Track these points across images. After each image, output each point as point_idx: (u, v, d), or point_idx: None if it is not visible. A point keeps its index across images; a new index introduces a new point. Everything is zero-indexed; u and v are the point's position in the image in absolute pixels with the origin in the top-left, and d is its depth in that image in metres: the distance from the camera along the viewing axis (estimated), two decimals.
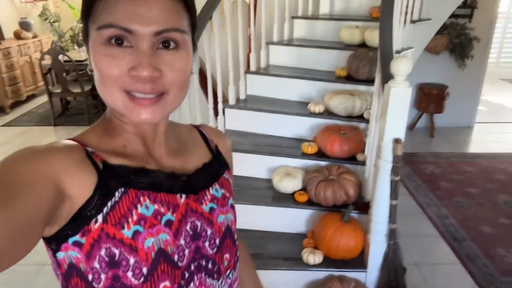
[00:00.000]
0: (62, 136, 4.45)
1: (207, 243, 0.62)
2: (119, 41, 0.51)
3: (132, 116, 0.53)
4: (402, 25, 2.44)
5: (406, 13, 2.49)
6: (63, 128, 4.66)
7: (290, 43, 2.98)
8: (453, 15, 3.45)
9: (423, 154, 4.02)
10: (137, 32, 0.50)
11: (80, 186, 0.51)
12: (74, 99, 5.35)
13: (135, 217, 0.54)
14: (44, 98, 5.56)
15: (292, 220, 2.20)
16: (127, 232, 0.53)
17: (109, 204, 0.53)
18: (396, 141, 1.63)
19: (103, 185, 0.53)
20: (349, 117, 2.40)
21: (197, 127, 0.75)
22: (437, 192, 3.28)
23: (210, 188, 0.66)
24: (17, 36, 5.60)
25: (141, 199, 0.55)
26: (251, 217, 2.20)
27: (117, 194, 0.53)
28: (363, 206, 2.07)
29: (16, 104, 5.35)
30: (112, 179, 0.54)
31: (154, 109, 0.53)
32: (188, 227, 0.60)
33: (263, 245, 2.13)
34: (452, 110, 4.53)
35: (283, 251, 2.08)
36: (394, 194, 1.74)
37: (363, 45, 2.80)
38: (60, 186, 0.49)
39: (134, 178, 0.56)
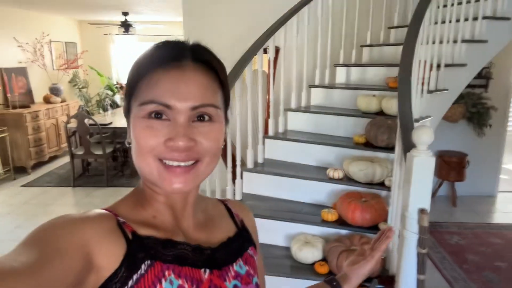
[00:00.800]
0: (79, 197, 4.48)
1: None
2: (158, 115, 0.54)
3: (165, 185, 0.55)
4: (419, 95, 2.49)
5: (423, 84, 2.55)
6: (81, 189, 4.71)
7: (307, 109, 3.05)
8: (469, 85, 3.51)
9: (447, 224, 3.86)
10: (175, 107, 0.54)
11: (109, 256, 0.51)
12: (95, 161, 5.48)
13: None
14: (65, 159, 5.71)
15: None
16: None
17: (134, 277, 0.52)
18: (422, 211, 1.57)
19: (130, 256, 0.52)
20: (370, 184, 2.36)
21: (222, 202, 0.75)
22: (464, 266, 3.09)
23: (234, 264, 0.64)
24: (46, 100, 5.92)
25: (166, 273, 0.54)
26: None
27: (143, 266, 0.53)
28: (388, 280, 1.95)
29: (38, 165, 5.49)
30: (140, 250, 0.54)
31: (187, 178, 0.55)
32: None
33: None
34: (473, 178, 4.43)
35: None
36: (421, 268, 1.64)
37: (380, 113, 2.84)
38: (89, 256, 0.49)
39: (161, 250, 0.56)
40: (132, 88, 0.57)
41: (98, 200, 4.32)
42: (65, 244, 0.47)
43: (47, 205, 4.21)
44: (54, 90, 6.18)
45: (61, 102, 6.09)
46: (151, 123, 0.54)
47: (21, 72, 5.67)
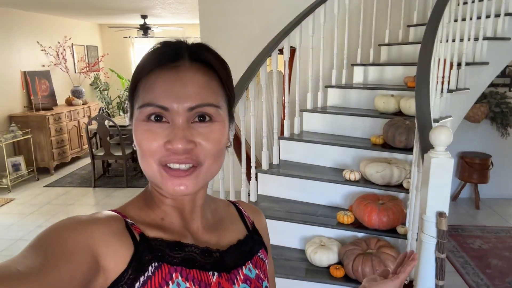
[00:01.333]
0: (99, 197, 4.57)
1: None
2: (157, 117, 0.54)
3: (167, 188, 0.54)
4: (439, 95, 2.42)
5: (442, 83, 2.48)
6: (101, 189, 4.80)
7: (324, 110, 3.01)
8: (492, 84, 3.40)
9: (469, 227, 3.74)
10: (173, 108, 0.53)
11: (116, 257, 0.50)
12: (115, 162, 5.58)
13: None
14: (87, 161, 5.84)
15: None
16: None
17: (141, 279, 0.51)
18: (440, 214, 1.52)
19: (137, 258, 0.52)
20: (387, 186, 2.31)
21: (233, 203, 0.74)
22: (487, 271, 2.98)
23: (243, 267, 0.63)
24: (69, 102, 6.07)
25: (173, 275, 0.53)
26: None
27: (150, 269, 0.52)
28: (406, 285, 1.90)
29: (61, 166, 5.63)
30: (147, 252, 0.53)
31: (188, 181, 0.54)
32: None
33: None
34: (497, 180, 4.29)
35: None
36: (440, 274, 1.59)
37: (398, 113, 2.78)
38: (96, 257, 0.48)
39: (168, 252, 0.55)
40: (133, 91, 0.57)
41: (118, 201, 4.39)
42: (72, 246, 0.46)
43: (68, 205, 4.30)
44: (76, 93, 6.32)
45: (83, 104, 6.23)
46: (150, 126, 0.53)
47: (44, 75, 5.84)
